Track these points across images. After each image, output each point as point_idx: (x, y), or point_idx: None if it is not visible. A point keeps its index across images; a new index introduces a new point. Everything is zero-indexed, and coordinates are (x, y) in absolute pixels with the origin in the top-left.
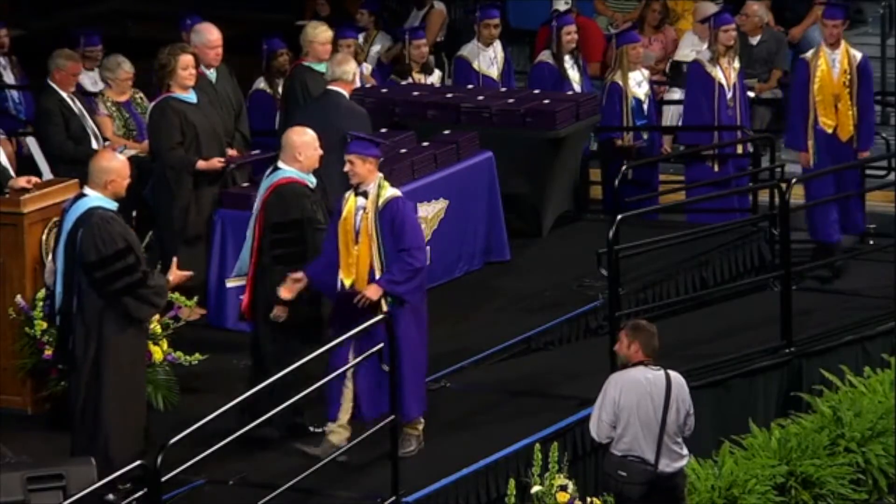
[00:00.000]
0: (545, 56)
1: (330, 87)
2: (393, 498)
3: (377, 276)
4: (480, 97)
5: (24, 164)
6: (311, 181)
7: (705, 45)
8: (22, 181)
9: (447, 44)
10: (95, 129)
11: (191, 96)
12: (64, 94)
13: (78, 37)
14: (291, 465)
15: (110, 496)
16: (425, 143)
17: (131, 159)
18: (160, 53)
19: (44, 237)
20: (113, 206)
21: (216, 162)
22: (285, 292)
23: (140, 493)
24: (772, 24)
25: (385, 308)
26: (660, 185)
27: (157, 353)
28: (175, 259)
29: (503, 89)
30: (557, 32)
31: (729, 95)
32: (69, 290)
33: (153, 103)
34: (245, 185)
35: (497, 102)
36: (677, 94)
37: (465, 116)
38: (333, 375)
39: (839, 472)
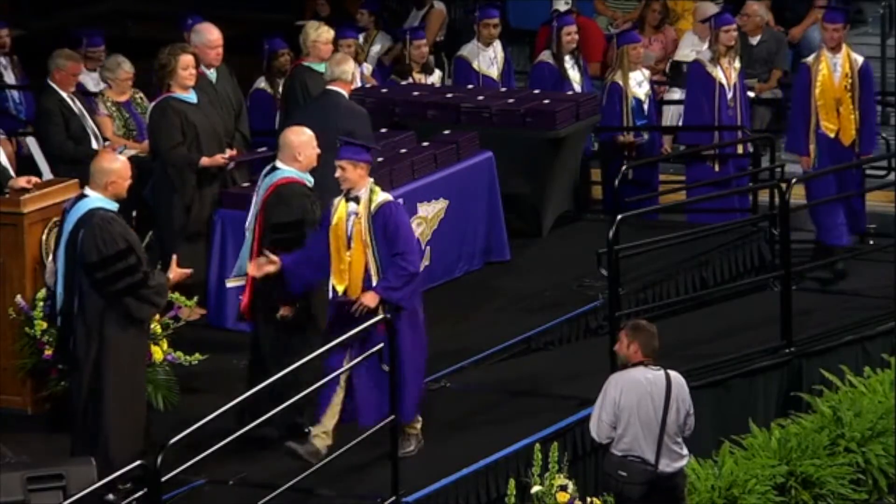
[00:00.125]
0: (545, 56)
1: (329, 87)
2: (393, 498)
3: (374, 282)
4: (480, 97)
5: (24, 164)
6: (310, 180)
7: (705, 45)
8: (22, 181)
9: (447, 44)
10: (95, 129)
11: (191, 96)
12: (64, 94)
13: (80, 37)
14: (291, 466)
15: (110, 496)
16: (425, 143)
17: (131, 159)
18: (160, 53)
19: (44, 237)
20: (114, 206)
21: (220, 158)
22: (252, 268)
23: (140, 493)
24: (772, 24)
25: (381, 314)
26: (660, 185)
27: (157, 353)
28: (175, 257)
29: (503, 89)
30: (557, 33)
31: (729, 95)
32: (70, 290)
33: (153, 103)
34: (245, 185)
35: (497, 102)
36: (677, 94)
37: (465, 116)
38: (330, 377)
39: (839, 472)
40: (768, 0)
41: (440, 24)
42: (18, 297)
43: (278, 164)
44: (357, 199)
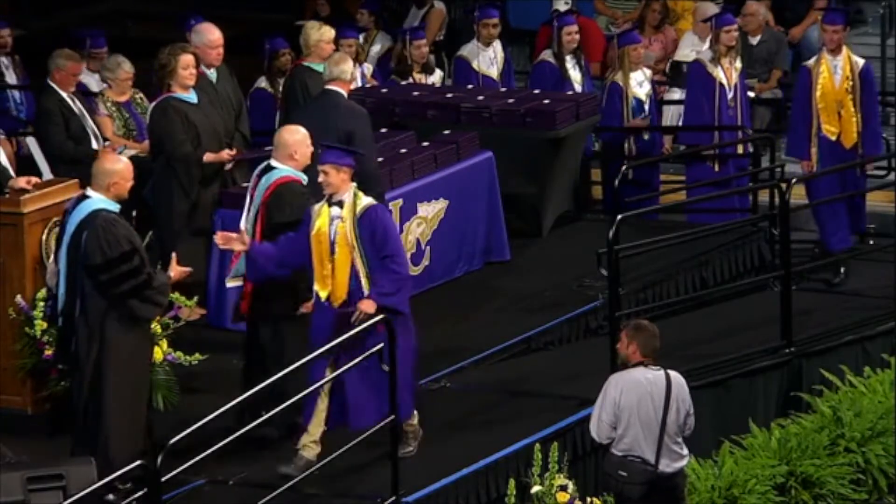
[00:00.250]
0: (547, 55)
1: (328, 86)
2: (393, 498)
3: (361, 284)
4: (480, 97)
5: (24, 164)
6: (305, 178)
7: (706, 46)
8: (22, 181)
9: (447, 44)
10: (95, 129)
11: (191, 96)
12: (64, 94)
13: (84, 38)
14: None
15: (110, 496)
16: (425, 143)
17: (131, 159)
18: (160, 53)
19: (44, 237)
20: (115, 207)
21: (225, 154)
22: (220, 237)
23: (140, 493)
24: (772, 24)
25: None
26: (660, 185)
27: (157, 353)
28: (174, 255)
29: (503, 89)
30: (558, 33)
31: (730, 95)
32: (72, 291)
33: (154, 103)
34: (245, 185)
35: (497, 102)
36: (677, 94)
37: (465, 116)
38: (324, 382)
39: (839, 472)
40: (768, 0)
41: (440, 23)
42: (18, 297)
43: (273, 163)
44: (340, 204)
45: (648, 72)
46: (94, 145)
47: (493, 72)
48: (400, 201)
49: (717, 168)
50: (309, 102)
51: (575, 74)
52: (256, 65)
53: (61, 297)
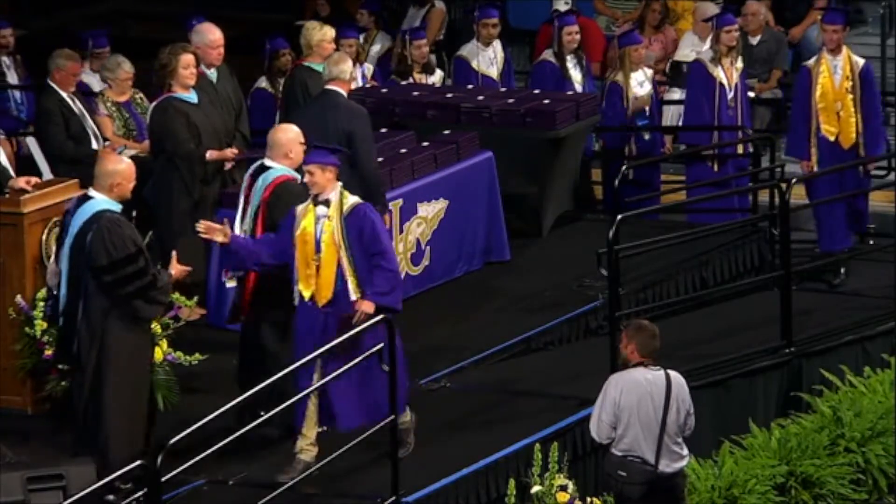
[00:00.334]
0: (547, 55)
1: (328, 86)
2: (393, 498)
3: (348, 283)
4: (480, 97)
5: (24, 164)
6: (299, 177)
7: (705, 46)
8: (21, 181)
9: (447, 44)
10: (95, 129)
11: (191, 96)
12: (64, 94)
13: (86, 38)
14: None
15: (110, 496)
16: (425, 143)
17: (131, 159)
18: (161, 53)
19: (44, 237)
20: (118, 208)
21: (228, 153)
22: (203, 226)
23: (140, 493)
24: (772, 24)
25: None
26: (661, 186)
27: (157, 353)
28: (175, 253)
29: (503, 89)
30: (559, 33)
31: (730, 96)
32: (75, 292)
33: (154, 103)
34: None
35: (497, 102)
36: (677, 94)
37: (465, 116)
38: (321, 383)
39: (839, 472)
40: (768, 0)
41: (441, 22)
42: (18, 297)
43: (268, 162)
44: (327, 203)
45: (650, 71)
46: (94, 145)
47: (493, 72)
48: (400, 201)
49: (716, 168)
50: (309, 102)
51: (576, 74)
52: (257, 65)
53: (63, 297)
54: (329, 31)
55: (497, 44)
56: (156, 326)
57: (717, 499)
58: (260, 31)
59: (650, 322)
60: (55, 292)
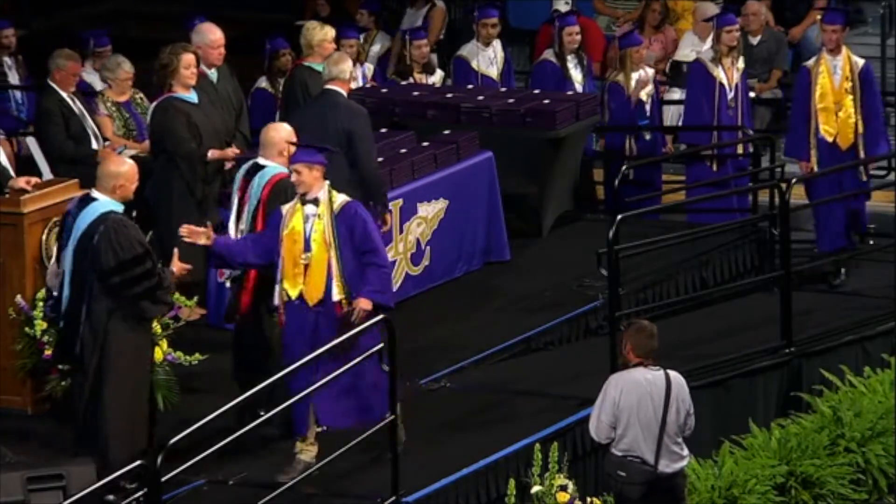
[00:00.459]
0: (548, 54)
1: (328, 86)
2: (393, 498)
3: (334, 286)
4: (480, 97)
5: (24, 164)
6: None
7: (705, 46)
8: (21, 182)
9: (447, 44)
10: (95, 129)
11: (192, 96)
12: (64, 94)
13: (87, 38)
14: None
15: (110, 496)
16: (425, 143)
17: (132, 159)
18: (162, 53)
19: (44, 237)
20: (121, 208)
21: (230, 152)
22: (185, 230)
23: (140, 493)
24: (772, 24)
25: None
26: (662, 186)
27: (157, 353)
28: (176, 251)
29: (503, 89)
30: (559, 33)
31: (730, 96)
32: (78, 293)
33: (155, 103)
34: None
35: (497, 102)
36: (677, 94)
37: (465, 116)
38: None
39: (839, 472)
40: (768, 0)
41: (442, 22)
42: (18, 297)
43: (262, 161)
44: (315, 202)
45: (651, 71)
46: (94, 145)
47: (493, 72)
48: (400, 201)
49: (714, 168)
50: (309, 102)
51: (576, 74)
52: (257, 65)
53: (66, 298)
54: (330, 31)
55: (497, 44)
56: (156, 326)
57: (717, 499)
58: (260, 31)
59: (649, 322)
60: (55, 293)
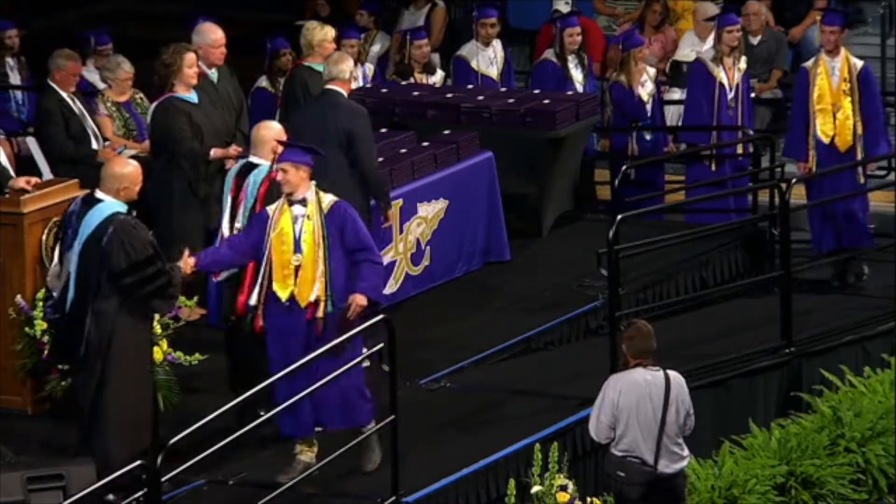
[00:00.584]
0: (549, 54)
1: (328, 86)
2: (393, 498)
3: (316, 284)
4: (480, 97)
5: (24, 164)
6: None
7: (705, 46)
8: (21, 182)
9: (447, 44)
10: (95, 129)
11: (192, 96)
12: (64, 94)
13: (88, 38)
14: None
15: (110, 496)
16: (425, 143)
17: (132, 159)
18: (164, 53)
19: (44, 237)
20: (125, 209)
21: (232, 150)
22: (183, 261)
23: (140, 492)
24: (772, 24)
25: (321, 315)
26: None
27: (157, 353)
28: (186, 249)
29: (503, 89)
30: (560, 34)
31: (730, 96)
32: (84, 293)
33: (155, 103)
34: None
35: (497, 102)
36: (677, 94)
37: (465, 116)
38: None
39: (839, 472)
40: (768, 0)
41: (443, 22)
42: (18, 297)
43: (255, 160)
44: (303, 202)
45: (652, 71)
46: (94, 145)
47: (493, 72)
48: (400, 201)
49: (713, 168)
50: (309, 102)
51: (577, 74)
52: (257, 65)
53: (70, 298)
54: (330, 31)
55: (497, 44)
56: (156, 326)
57: (717, 499)
58: (260, 31)
59: (646, 322)
60: (55, 294)
